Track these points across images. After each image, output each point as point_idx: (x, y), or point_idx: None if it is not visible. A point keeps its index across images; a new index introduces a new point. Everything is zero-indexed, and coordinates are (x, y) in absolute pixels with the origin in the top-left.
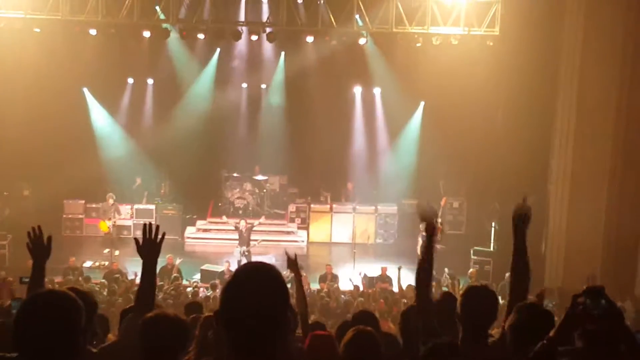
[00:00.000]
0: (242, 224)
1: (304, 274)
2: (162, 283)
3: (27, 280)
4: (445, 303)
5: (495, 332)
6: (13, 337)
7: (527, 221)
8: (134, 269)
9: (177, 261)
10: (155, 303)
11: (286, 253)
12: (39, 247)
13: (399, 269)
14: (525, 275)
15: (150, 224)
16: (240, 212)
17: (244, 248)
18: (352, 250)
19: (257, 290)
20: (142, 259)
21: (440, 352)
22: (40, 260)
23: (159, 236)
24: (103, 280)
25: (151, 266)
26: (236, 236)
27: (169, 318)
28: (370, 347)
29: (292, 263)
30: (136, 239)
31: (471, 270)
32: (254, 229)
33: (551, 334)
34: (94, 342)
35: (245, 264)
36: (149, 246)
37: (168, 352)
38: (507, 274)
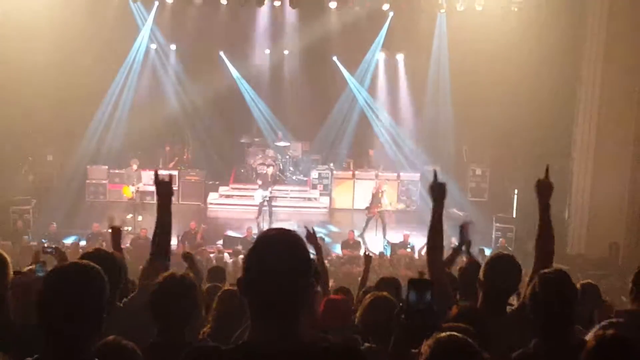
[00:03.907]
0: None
1: (322, 242)
2: (186, 250)
3: (51, 250)
4: (469, 270)
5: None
6: (36, 308)
7: (549, 191)
8: None
9: (201, 227)
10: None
11: (305, 227)
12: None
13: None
14: (549, 241)
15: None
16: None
17: (267, 193)
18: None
19: (280, 256)
20: (158, 195)
21: (468, 316)
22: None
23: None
24: (128, 245)
25: (166, 204)
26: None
27: (177, 281)
28: (387, 312)
29: (311, 237)
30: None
31: (501, 239)
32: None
33: None
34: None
35: (267, 230)
36: (164, 187)
37: (179, 315)
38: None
